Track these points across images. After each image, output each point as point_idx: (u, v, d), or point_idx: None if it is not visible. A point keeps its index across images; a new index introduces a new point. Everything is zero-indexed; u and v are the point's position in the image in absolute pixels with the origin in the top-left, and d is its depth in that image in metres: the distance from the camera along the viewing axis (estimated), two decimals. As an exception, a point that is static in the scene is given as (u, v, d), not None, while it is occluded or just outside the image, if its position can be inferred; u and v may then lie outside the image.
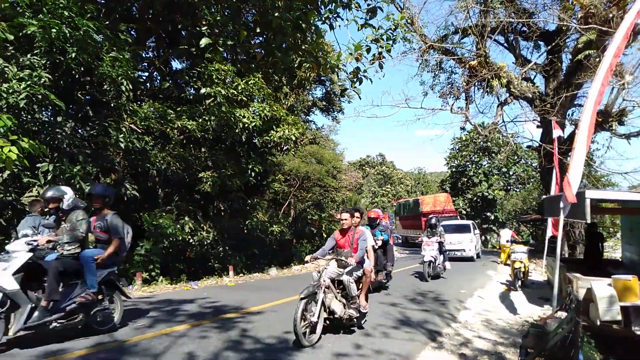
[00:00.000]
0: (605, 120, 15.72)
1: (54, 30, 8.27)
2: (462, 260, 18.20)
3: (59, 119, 9.06)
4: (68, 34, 8.51)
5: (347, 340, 5.39)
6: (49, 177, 8.34)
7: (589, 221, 7.18)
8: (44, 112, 8.65)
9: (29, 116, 8.39)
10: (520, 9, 17.47)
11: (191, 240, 12.19)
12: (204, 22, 11.88)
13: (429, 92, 22.97)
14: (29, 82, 7.89)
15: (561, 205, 6.04)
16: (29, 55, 8.38)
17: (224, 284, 11.09)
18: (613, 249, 21.80)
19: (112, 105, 10.33)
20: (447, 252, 13.20)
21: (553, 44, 17.08)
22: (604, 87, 5.84)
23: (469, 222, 21.36)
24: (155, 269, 11.06)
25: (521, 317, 7.44)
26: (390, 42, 10.01)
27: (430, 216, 14.27)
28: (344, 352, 4.88)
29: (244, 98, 12.98)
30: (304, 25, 9.66)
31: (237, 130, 12.77)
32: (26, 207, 8.55)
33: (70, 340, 5.03)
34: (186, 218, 12.33)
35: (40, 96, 7.98)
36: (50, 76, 8.38)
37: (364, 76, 9.51)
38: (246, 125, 12.78)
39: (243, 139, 13.74)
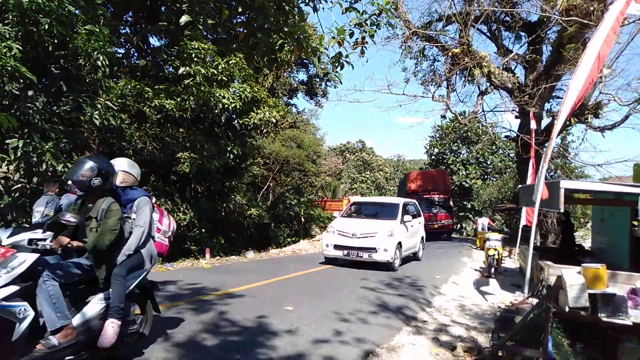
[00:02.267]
0: (582, 112, 16.03)
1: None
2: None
3: (30, 92, 8.70)
4: (42, 4, 8.14)
5: (325, 325, 5.41)
6: (19, 154, 8.05)
7: (562, 210, 7.34)
8: (14, 85, 8.29)
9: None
10: (503, -2, 17.52)
11: (167, 222, 12.02)
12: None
13: (411, 79, 23.15)
14: (-2, 54, 7.55)
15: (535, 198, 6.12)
16: (0, 25, 8.00)
17: (200, 266, 11.01)
18: (583, 239, 22.45)
19: (87, 80, 9.99)
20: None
21: (534, 35, 17.23)
22: (592, 78, 5.89)
23: (399, 201, 12.74)
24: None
25: (494, 303, 7.61)
26: (374, 27, 9.91)
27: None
28: (322, 338, 4.91)
29: (224, 78, 12.74)
30: (286, 6, 9.49)
31: (216, 111, 12.56)
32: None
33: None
34: (162, 199, 12.13)
35: (10, 68, 7.64)
36: (21, 47, 8.03)
37: (346, 61, 9.44)
38: (226, 106, 12.58)
39: (222, 120, 13.53)
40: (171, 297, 6.64)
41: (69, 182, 6.16)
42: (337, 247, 10.96)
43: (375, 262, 10.52)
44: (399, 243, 10.88)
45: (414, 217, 12.44)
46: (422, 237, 13.67)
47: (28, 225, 5.63)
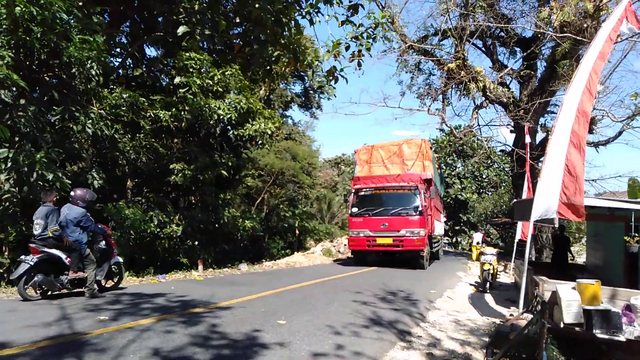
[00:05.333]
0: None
1: (18, 8, 7.87)
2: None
3: (22, 101, 8.64)
4: (35, 13, 8.11)
5: (318, 339, 5.32)
6: (9, 164, 7.96)
7: (557, 226, 7.33)
8: (6, 93, 8.24)
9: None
10: (499, 14, 17.76)
11: (160, 233, 11.90)
12: (181, 10, 11.63)
13: (406, 92, 23.19)
14: (-12, 61, 7.51)
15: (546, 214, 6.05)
16: (-8, 33, 7.97)
17: (193, 279, 10.88)
18: (578, 254, 22.44)
19: (80, 89, 9.94)
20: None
21: (529, 50, 17.41)
22: (591, 93, 5.90)
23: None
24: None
25: (489, 318, 7.53)
26: (371, 40, 9.97)
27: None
28: (316, 352, 4.82)
29: (220, 89, 12.73)
30: (284, 18, 9.54)
31: (211, 122, 12.53)
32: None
33: (27, 330, 4.81)
34: (156, 210, 12.03)
35: (1, 75, 7.59)
36: (13, 55, 7.99)
37: (340, 75, 9.47)
38: (221, 117, 12.55)
39: (217, 131, 13.50)
40: (161, 309, 6.53)
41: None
42: None
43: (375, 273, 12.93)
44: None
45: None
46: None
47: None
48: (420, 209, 14.13)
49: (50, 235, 6.91)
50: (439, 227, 20.16)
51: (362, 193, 15.22)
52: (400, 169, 16.32)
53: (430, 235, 15.81)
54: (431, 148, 17.16)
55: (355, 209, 15.02)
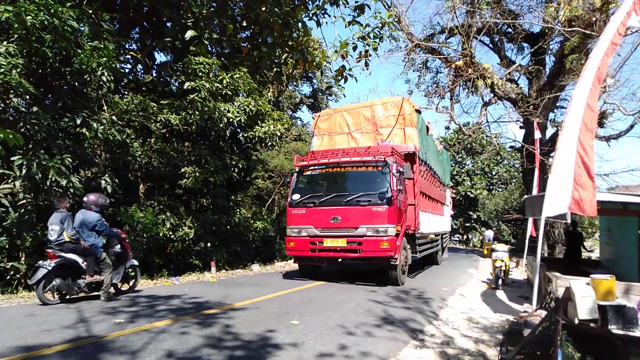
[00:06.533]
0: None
1: (29, 17, 8.01)
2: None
3: (35, 108, 8.80)
4: (46, 21, 8.25)
5: (330, 338, 5.36)
6: (24, 171, 8.12)
7: (569, 221, 7.30)
8: (20, 102, 8.40)
9: (3, 105, 8.15)
10: (505, 10, 17.67)
11: (172, 236, 12.02)
12: (189, 15, 11.74)
13: (414, 91, 23.13)
14: (2, 70, 7.64)
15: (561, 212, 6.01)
16: (5, 43, 8.10)
17: (206, 280, 10.98)
18: (591, 249, 22.22)
19: (92, 96, 10.09)
20: None
21: (537, 46, 17.30)
22: (597, 87, 5.87)
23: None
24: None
25: (502, 316, 7.51)
26: (377, 40, 10.01)
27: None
28: (328, 352, 4.85)
29: (229, 92, 12.82)
30: (291, 21, 9.62)
31: (221, 125, 12.62)
32: (1, 200, 8.37)
33: (46, 334, 4.91)
34: (168, 213, 12.15)
35: (14, 83, 7.73)
36: (23, 63, 8.13)
37: (349, 75, 9.51)
38: (230, 119, 12.64)
39: (227, 133, 13.59)
40: (176, 311, 6.61)
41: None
42: None
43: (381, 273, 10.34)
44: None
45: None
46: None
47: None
48: (389, 195, 9.40)
49: (68, 240, 7.04)
50: (440, 223, 15.64)
51: (308, 173, 10.70)
52: (372, 140, 11.89)
53: (414, 235, 11.19)
54: (418, 111, 11.91)
55: (296, 196, 10.37)
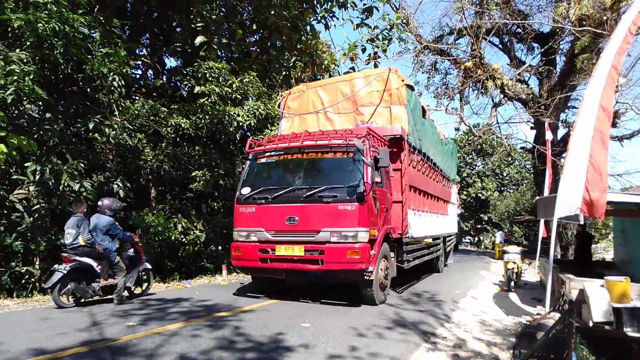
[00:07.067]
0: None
1: (40, 24, 8.15)
2: None
3: (48, 115, 8.95)
4: (57, 29, 8.38)
5: (342, 340, 5.36)
6: (37, 177, 8.25)
7: (581, 223, 7.21)
8: (33, 108, 8.55)
9: (17, 112, 8.30)
10: (515, 10, 17.57)
11: (184, 240, 12.10)
12: (199, 20, 11.86)
13: (423, 93, 23.05)
14: (15, 78, 7.77)
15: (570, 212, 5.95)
16: (17, 50, 8.24)
17: (217, 283, 11.03)
18: (605, 250, 21.96)
19: (103, 101, 10.23)
20: None
21: (547, 46, 17.18)
22: (611, 87, 5.80)
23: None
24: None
25: (514, 318, 7.45)
26: (386, 42, 10.05)
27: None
28: (339, 354, 4.85)
29: (239, 96, 12.91)
30: (300, 24, 9.65)
31: (231, 129, 12.70)
32: (16, 205, 8.51)
33: (61, 337, 4.97)
34: (179, 217, 12.25)
35: (27, 90, 7.87)
36: (38, 70, 8.27)
37: (359, 76, 9.51)
38: (240, 123, 12.71)
39: (237, 137, 13.67)
40: (187, 314, 6.65)
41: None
42: None
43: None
44: None
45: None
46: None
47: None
48: (361, 189, 7.20)
49: (83, 243, 7.15)
50: (442, 224, 13.31)
51: (263, 160, 8.42)
52: (351, 122, 9.65)
53: (400, 240, 8.83)
54: (410, 87, 9.85)
55: (245, 190, 8.07)
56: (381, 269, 7.79)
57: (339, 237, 7.15)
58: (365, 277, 7.29)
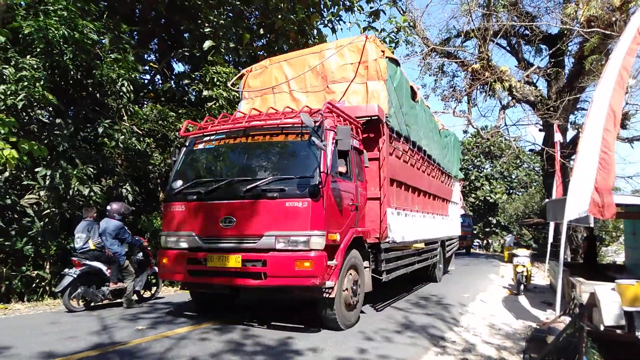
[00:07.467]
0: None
1: (50, 31, 8.24)
2: None
3: (58, 120, 9.05)
4: (67, 35, 8.47)
5: (350, 343, 5.35)
6: (48, 182, 8.34)
7: (592, 225, 7.14)
8: (44, 114, 8.64)
9: (28, 117, 8.39)
10: (522, 12, 17.49)
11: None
12: (206, 25, 11.95)
13: (430, 95, 22.99)
14: (26, 84, 7.87)
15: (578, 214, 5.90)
16: (28, 57, 8.34)
17: (225, 287, 11.04)
18: (616, 253, 21.73)
19: (112, 106, 10.32)
20: None
21: (555, 47, 17.08)
22: (621, 89, 5.74)
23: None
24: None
25: (524, 322, 7.39)
26: (393, 44, 10.03)
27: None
28: (353, 358, 4.84)
29: (246, 100, 12.95)
30: (306, 28, 9.68)
31: (238, 133, 12.73)
32: (27, 209, 8.59)
33: (71, 341, 5.01)
34: (187, 220, 12.27)
35: (38, 96, 7.96)
36: (48, 76, 8.36)
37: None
38: (248, 127, 12.74)
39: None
40: (196, 317, 6.68)
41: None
42: None
43: None
44: None
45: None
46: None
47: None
48: (315, 180, 5.58)
49: (93, 248, 7.21)
50: (439, 227, 11.37)
51: (201, 146, 6.80)
52: (320, 101, 7.52)
53: (378, 245, 7.15)
54: (394, 60, 8.16)
55: (177, 184, 6.46)
56: (349, 283, 6.10)
57: (286, 243, 5.49)
58: (326, 296, 5.64)
